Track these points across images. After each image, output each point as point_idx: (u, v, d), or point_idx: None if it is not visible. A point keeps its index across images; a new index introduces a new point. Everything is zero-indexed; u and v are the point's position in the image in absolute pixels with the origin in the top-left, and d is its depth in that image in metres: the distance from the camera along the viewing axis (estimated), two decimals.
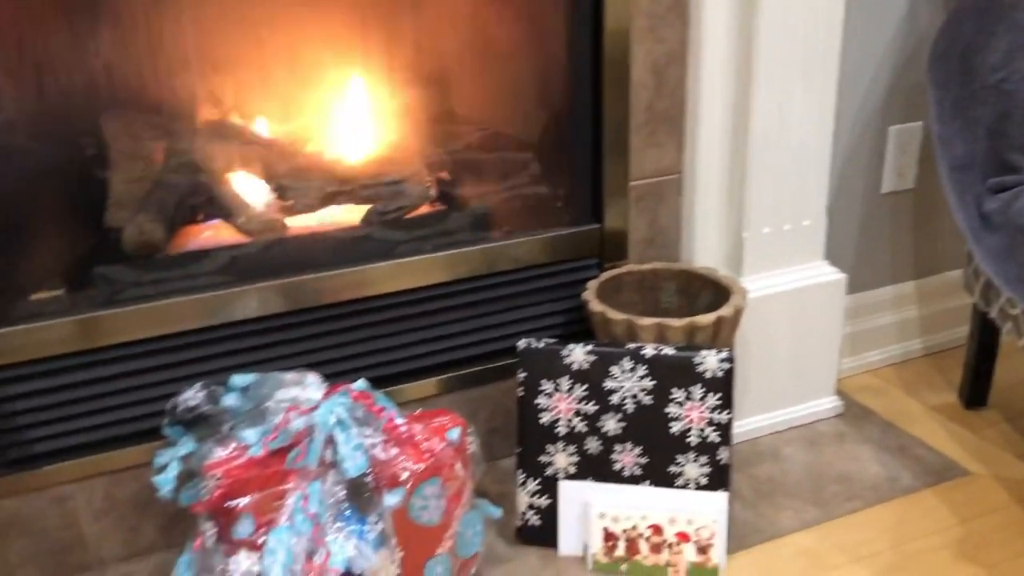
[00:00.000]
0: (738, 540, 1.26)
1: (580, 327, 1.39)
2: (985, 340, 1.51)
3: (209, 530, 1.07)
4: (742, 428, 1.48)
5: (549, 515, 1.25)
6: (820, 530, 1.28)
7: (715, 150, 1.39)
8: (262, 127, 1.37)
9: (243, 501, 1.04)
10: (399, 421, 1.10)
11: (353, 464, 1.05)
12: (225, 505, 1.05)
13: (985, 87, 1.34)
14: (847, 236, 1.61)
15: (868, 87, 1.53)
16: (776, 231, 1.42)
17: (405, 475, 1.07)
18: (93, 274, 1.21)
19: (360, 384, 1.12)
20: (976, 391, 1.54)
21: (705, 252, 1.45)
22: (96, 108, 1.24)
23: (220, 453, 1.08)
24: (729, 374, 1.19)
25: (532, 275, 1.38)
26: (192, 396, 1.16)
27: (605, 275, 1.39)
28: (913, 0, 1.49)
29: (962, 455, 1.43)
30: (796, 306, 1.45)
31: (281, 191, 1.33)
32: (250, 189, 1.32)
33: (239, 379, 1.16)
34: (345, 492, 1.06)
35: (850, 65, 1.48)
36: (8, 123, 1.14)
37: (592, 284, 1.36)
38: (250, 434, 1.09)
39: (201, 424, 1.16)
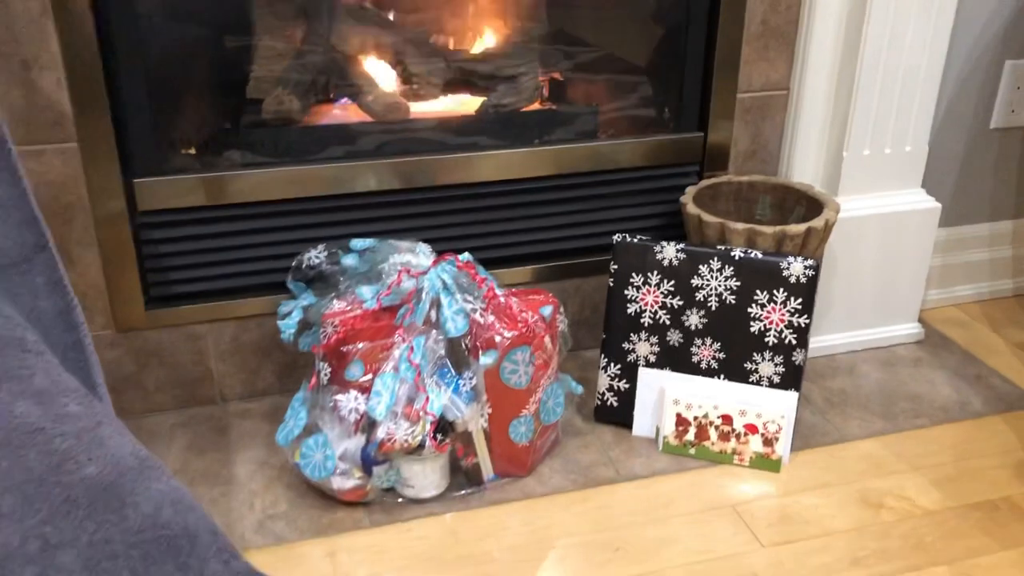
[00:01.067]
0: (803, 439, 1.33)
1: (675, 231, 1.47)
2: None
3: (324, 371, 1.20)
4: (822, 343, 1.54)
5: (626, 398, 1.34)
6: (884, 440, 1.34)
7: (824, 69, 1.42)
8: (393, 14, 1.46)
9: (356, 347, 1.17)
10: (498, 292, 1.21)
11: (454, 325, 1.16)
12: (340, 349, 1.18)
13: None
14: (950, 167, 1.62)
15: (988, 18, 1.52)
16: (876, 154, 1.45)
17: (499, 340, 1.18)
18: (234, 137, 1.34)
19: (465, 256, 1.23)
20: None
21: (804, 169, 1.49)
22: None
23: (338, 305, 1.20)
24: (812, 281, 1.25)
25: (633, 176, 1.46)
26: (315, 255, 1.29)
27: (704, 183, 1.45)
28: None
29: None
30: (887, 231, 1.49)
31: (406, 76, 1.43)
32: (378, 72, 1.42)
33: (358, 243, 1.28)
34: (445, 349, 1.18)
35: None
36: (172, 3, 1.26)
37: (690, 190, 1.42)
38: (365, 290, 1.21)
39: (321, 280, 1.29)
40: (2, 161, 0.88)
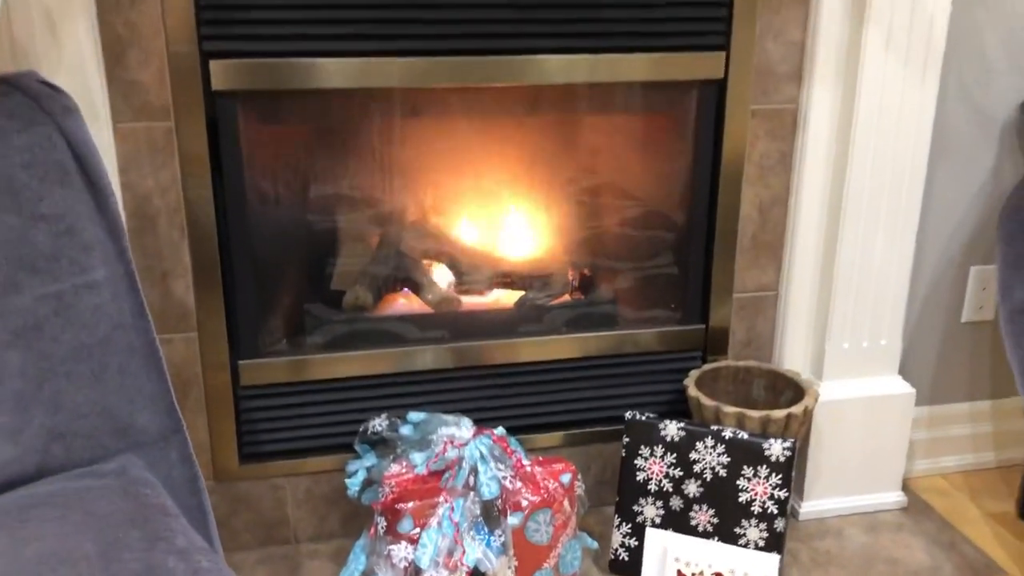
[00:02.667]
0: None
1: (679, 407, 1.71)
2: None
3: (380, 524, 1.45)
4: (813, 507, 1.74)
5: (636, 554, 1.56)
6: None
7: (807, 275, 1.68)
8: (449, 226, 1.78)
9: (407, 505, 1.42)
10: (525, 462, 1.46)
11: (488, 489, 1.41)
12: (395, 506, 1.43)
13: None
14: (928, 354, 1.85)
15: (954, 229, 1.78)
16: (854, 346, 1.69)
17: (525, 503, 1.42)
18: (319, 324, 1.64)
19: (499, 430, 1.49)
20: None
21: (793, 357, 1.73)
22: (337, 206, 1.69)
23: (394, 468, 1.47)
24: (790, 460, 1.48)
25: (646, 360, 1.71)
26: (378, 423, 1.56)
27: (706, 366, 1.70)
28: (998, 158, 1.74)
29: (1004, 559, 1.64)
30: (868, 411, 1.71)
31: (458, 275, 1.73)
32: (437, 272, 1.73)
33: (413, 415, 1.55)
34: (480, 509, 1.42)
35: (938, 210, 1.74)
36: (279, 215, 1.59)
37: (693, 373, 1.68)
38: (417, 457, 1.47)
39: (382, 445, 1.55)
40: (154, 363, 1.17)
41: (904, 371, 1.80)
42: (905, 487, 1.82)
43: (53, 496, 1.03)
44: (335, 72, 1.41)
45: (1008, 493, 1.83)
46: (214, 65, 1.37)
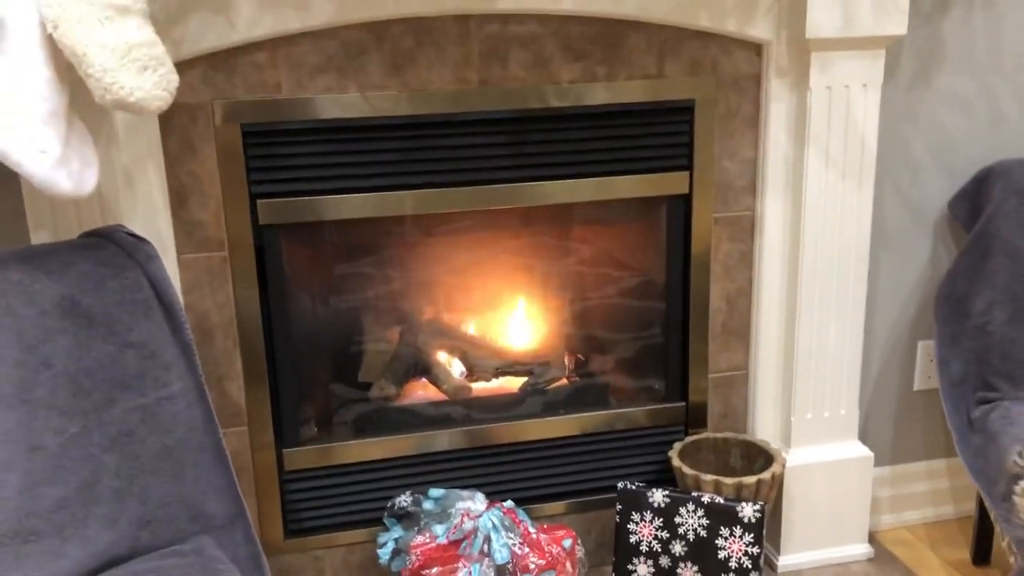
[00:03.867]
0: None
1: (666, 475, 1.92)
2: (985, 513, 1.91)
3: None
4: (789, 560, 1.95)
5: None
6: None
7: (771, 356, 1.91)
8: (460, 324, 2.02)
9: (431, 571, 1.64)
10: (531, 530, 1.68)
11: (500, 555, 1.63)
12: (420, 573, 1.64)
13: (974, 326, 1.82)
14: (887, 420, 2.07)
15: (900, 310, 2.01)
16: (817, 416, 1.91)
17: (532, 567, 1.63)
18: (350, 414, 1.88)
19: (508, 503, 1.71)
20: (980, 552, 1.94)
21: (764, 427, 1.95)
22: (363, 312, 1.94)
23: (419, 539, 1.68)
24: (760, 520, 1.69)
25: (635, 434, 1.94)
26: (403, 499, 1.78)
27: (688, 439, 1.93)
28: (934, 248, 1.98)
29: None
30: (832, 474, 1.92)
31: (469, 366, 1.97)
32: (450, 364, 1.97)
33: (434, 491, 1.77)
34: (494, 573, 1.64)
35: (885, 294, 1.98)
36: (314, 322, 1.84)
37: (677, 445, 1.90)
38: (438, 528, 1.69)
39: (408, 518, 1.77)
40: (221, 459, 1.41)
41: (865, 436, 2.02)
42: (873, 539, 2.03)
43: (147, 573, 1.25)
44: (358, 204, 1.67)
45: (964, 542, 2.03)
46: (261, 204, 1.63)
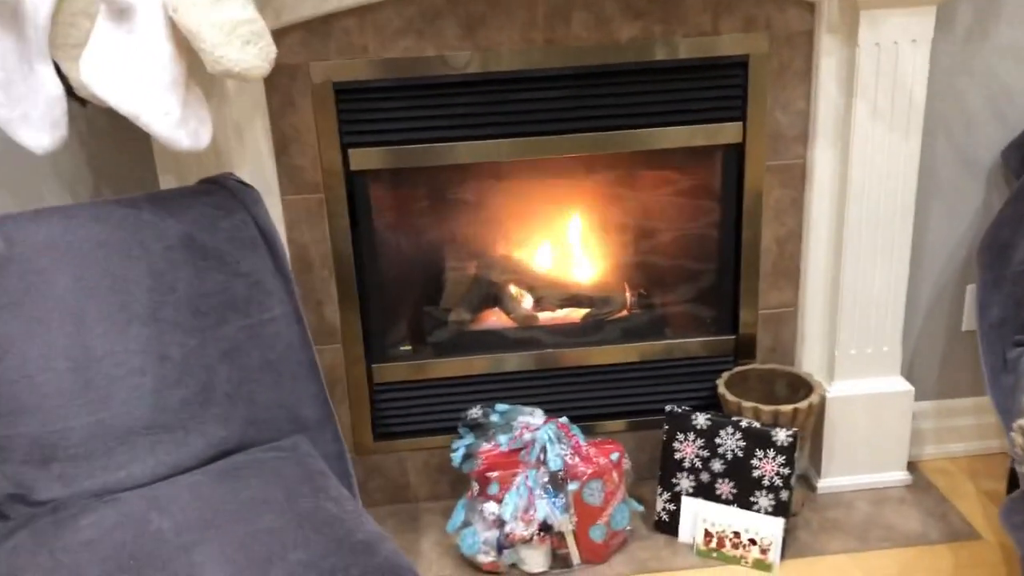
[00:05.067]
0: (795, 550, 1.89)
1: (713, 401, 2.07)
2: None
3: (475, 488, 1.90)
4: (828, 483, 2.09)
5: (674, 516, 1.95)
6: (853, 556, 1.88)
7: (819, 295, 2.02)
8: (529, 259, 2.20)
9: (495, 474, 1.86)
10: (582, 443, 1.88)
11: (554, 463, 1.84)
12: (486, 475, 1.87)
13: (1015, 273, 1.88)
14: (933, 357, 2.15)
15: (950, 254, 2.07)
16: (860, 352, 2.02)
17: (581, 474, 1.84)
18: (431, 336, 2.10)
19: (563, 419, 1.91)
20: (1013, 483, 2.02)
21: (811, 361, 2.07)
22: (442, 248, 2.15)
23: (486, 446, 1.91)
24: (793, 445, 1.84)
25: (688, 363, 2.09)
26: (475, 412, 2.00)
27: (737, 369, 2.07)
28: (986, 196, 2.03)
29: (984, 527, 1.94)
30: (873, 406, 2.04)
31: (536, 297, 2.16)
32: (518, 294, 2.16)
33: (500, 406, 1.98)
34: (548, 478, 1.85)
35: (935, 239, 2.05)
36: (400, 256, 2.06)
37: (725, 375, 2.04)
38: (502, 438, 1.91)
39: (478, 428, 1.99)
40: (314, 372, 1.65)
41: (912, 371, 2.12)
42: (914, 468, 2.14)
43: (253, 463, 1.52)
44: (437, 153, 1.85)
45: (1002, 475, 2.11)
46: (352, 152, 1.84)
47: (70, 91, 1.55)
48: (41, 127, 1.52)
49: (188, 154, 1.71)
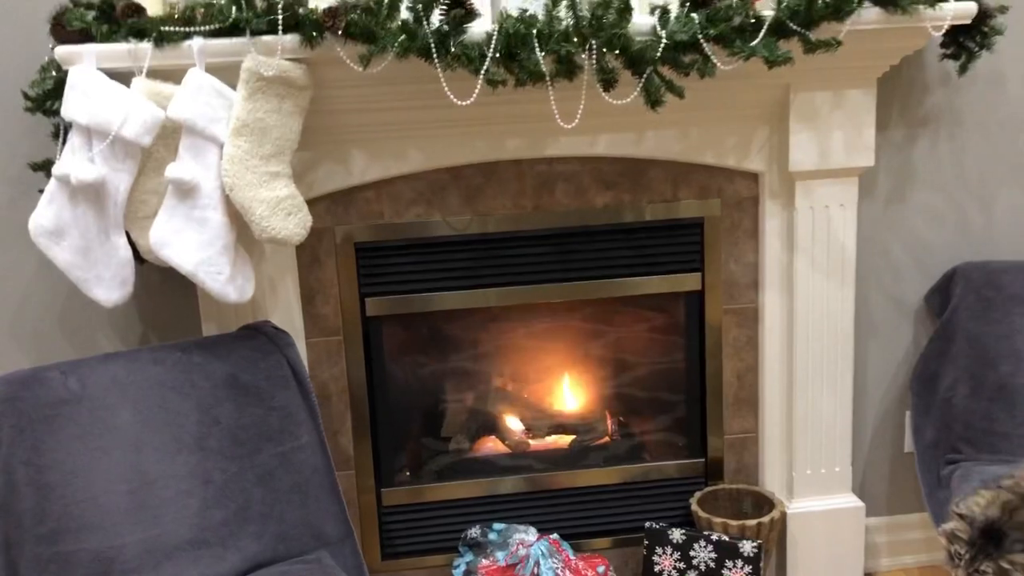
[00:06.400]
0: None
1: (688, 517, 2.27)
2: None
3: None
4: None
5: None
6: None
7: (776, 421, 2.26)
8: (521, 391, 2.45)
9: None
10: (572, 558, 2.07)
11: None
12: None
13: (942, 400, 2.13)
14: (882, 477, 2.38)
15: (889, 383, 2.33)
16: (815, 472, 2.24)
17: None
18: (432, 464, 2.31)
19: (555, 535, 2.11)
20: None
21: (772, 480, 2.29)
22: (445, 381, 2.39)
23: (484, 562, 2.09)
24: (758, 555, 2.03)
25: (664, 484, 2.31)
26: (474, 531, 2.19)
27: (707, 489, 2.28)
28: (916, 335, 2.30)
29: None
30: (829, 520, 2.24)
31: (528, 425, 2.39)
32: (511, 423, 2.39)
33: (497, 525, 2.17)
34: None
35: (874, 372, 2.31)
36: (407, 389, 2.30)
37: (697, 494, 2.25)
38: (500, 555, 2.09)
39: (477, 547, 2.18)
40: (336, 494, 1.86)
41: (863, 490, 2.34)
42: None
43: (285, 574, 1.70)
44: (441, 300, 2.12)
45: None
46: (368, 301, 2.10)
47: (135, 254, 1.82)
48: (111, 285, 1.78)
49: (230, 305, 1.98)
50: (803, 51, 1.77)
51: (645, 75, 1.75)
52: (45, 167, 1.82)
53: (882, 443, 2.37)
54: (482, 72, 1.70)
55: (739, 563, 2.05)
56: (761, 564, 2.05)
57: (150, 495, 1.69)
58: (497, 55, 1.70)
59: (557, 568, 2.04)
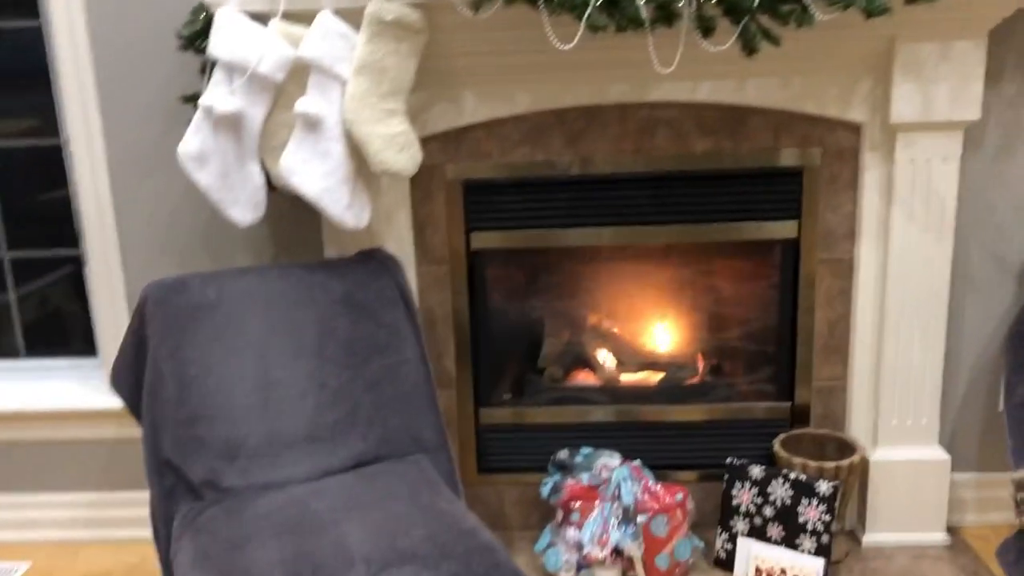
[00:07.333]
0: None
1: (771, 459, 2.33)
2: None
3: (560, 516, 2.21)
4: (873, 538, 2.29)
5: (731, 554, 2.21)
6: None
7: (865, 371, 2.27)
8: (616, 328, 2.54)
9: (577, 505, 2.17)
10: (651, 484, 2.17)
11: (627, 498, 2.13)
12: (569, 505, 2.18)
13: None
14: (974, 433, 2.36)
15: (987, 341, 2.30)
16: (901, 423, 2.25)
17: (650, 509, 2.12)
18: (528, 387, 2.45)
19: (637, 462, 2.21)
20: None
21: (857, 428, 2.31)
22: (543, 314, 2.51)
23: (570, 482, 2.22)
24: (833, 495, 2.08)
25: (750, 425, 2.37)
26: (562, 454, 2.32)
27: (792, 432, 2.33)
28: (1017, 292, 2.26)
29: None
30: (912, 472, 2.26)
31: (619, 360, 2.49)
32: (604, 357, 2.50)
33: (584, 449, 2.30)
34: (621, 511, 2.14)
35: (971, 329, 2.28)
36: (508, 320, 2.43)
37: (781, 436, 2.31)
38: (584, 476, 2.22)
39: (565, 468, 2.31)
40: (434, 405, 2.02)
41: (952, 444, 2.34)
42: (956, 533, 2.33)
43: (385, 470, 1.88)
44: (542, 237, 2.24)
45: None
46: (474, 235, 2.24)
47: (267, 181, 2.01)
48: (246, 207, 1.98)
49: (350, 231, 2.15)
50: (905, 1, 1.76)
51: (743, 23, 1.79)
52: (193, 100, 2.03)
53: (976, 400, 2.35)
54: (584, 18, 1.78)
55: (814, 502, 2.10)
56: (836, 504, 2.09)
57: (273, 394, 1.90)
58: (599, 1, 1.77)
59: (636, 492, 2.15)
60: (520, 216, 2.24)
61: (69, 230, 2.47)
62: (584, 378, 2.49)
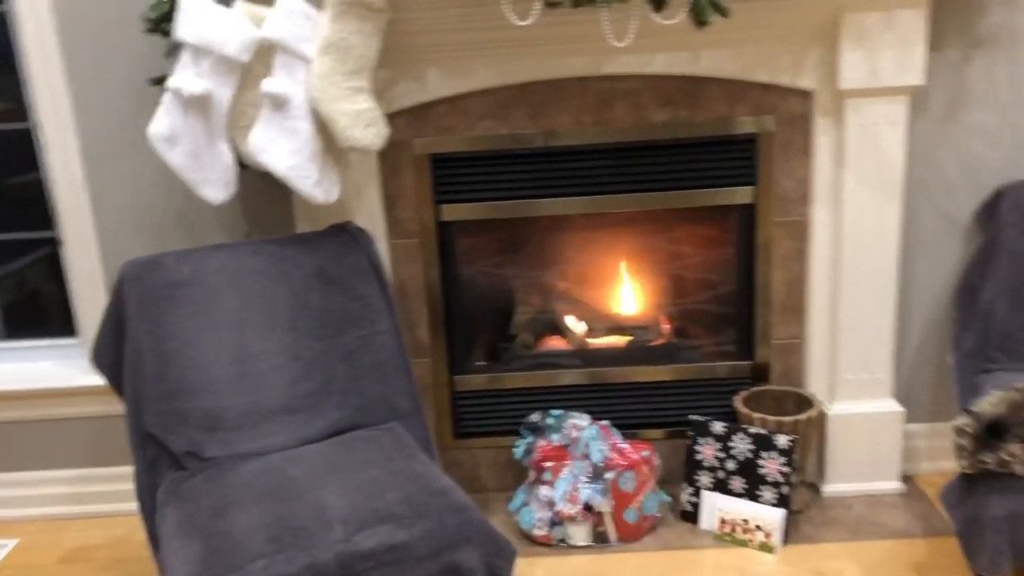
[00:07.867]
0: (797, 538, 2.21)
1: (732, 415, 2.42)
2: None
3: (532, 476, 2.28)
4: (831, 488, 2.39)
5: (696, 507, 2.30)
6: (845, 545, 2.18)
7: (821, 329, 2.35)
8: (584, 294, 2.61)
9: (548, 464, 2.25)
10: (619, 442, 2.25)
11: (595, 456, 2.21)
12: (541, 465, 2.26)
13: (982, 311, 2.19)
14: (926, 385, 2.45)
15: (936, 297, 2.38)
16: (856, 378, 2.34)
17: (618, 466, 2.20)
18: (501, 354, 2.52)
19: (604, 422, 2.29)
20: None
21: (815, 384, 2.40)
22: (513, 282, 2.57)
23: (542, 443, 2.29)
24: (792, 448, 2.17)
25: (712, 383, 2.45)
26: (534, 417, 2.39)
27: (752, 390, 2.41)
28: (964, 249, 2.34)
29: None
30: (868, 424, 2.35)
31: (588, 326, 2.56)
32: (573, 323, 2.56)
33: (554, 412, 2.37)
34: (591, 469, 2.22)
35: (921, 285, 2.37)
36: (478, 289, 2.49)
37: (742, 393, 2.39)
38: (555, 436, 2.29)
39: (537, 430, 2.38)
40: (408, 374, 2.08)
41: (907, 397, 2.43)
42: (910, 481, 2.43)
43: (361, 437, 1.94)
44: (507, 208, 2.29)
45: None
46: (443, 207, 2.29)
47: (238, 160, 2.05)
48: (217, 186, 2.02)
49: (320, 206, 2.19)
50: None
51: None
52: (161, 82, 2.05)
53: (927, 353, 2.44)
54: None
55: (774, 454, 2.19)
56: (795, 456, 2.18)
57: (250, 367, 1.95)
58: None
59: (605, 450, 2.23)
60: (488, 188, 2.29)
61: (43, 212, 2.49)
62: (555, 343, 2.56)
